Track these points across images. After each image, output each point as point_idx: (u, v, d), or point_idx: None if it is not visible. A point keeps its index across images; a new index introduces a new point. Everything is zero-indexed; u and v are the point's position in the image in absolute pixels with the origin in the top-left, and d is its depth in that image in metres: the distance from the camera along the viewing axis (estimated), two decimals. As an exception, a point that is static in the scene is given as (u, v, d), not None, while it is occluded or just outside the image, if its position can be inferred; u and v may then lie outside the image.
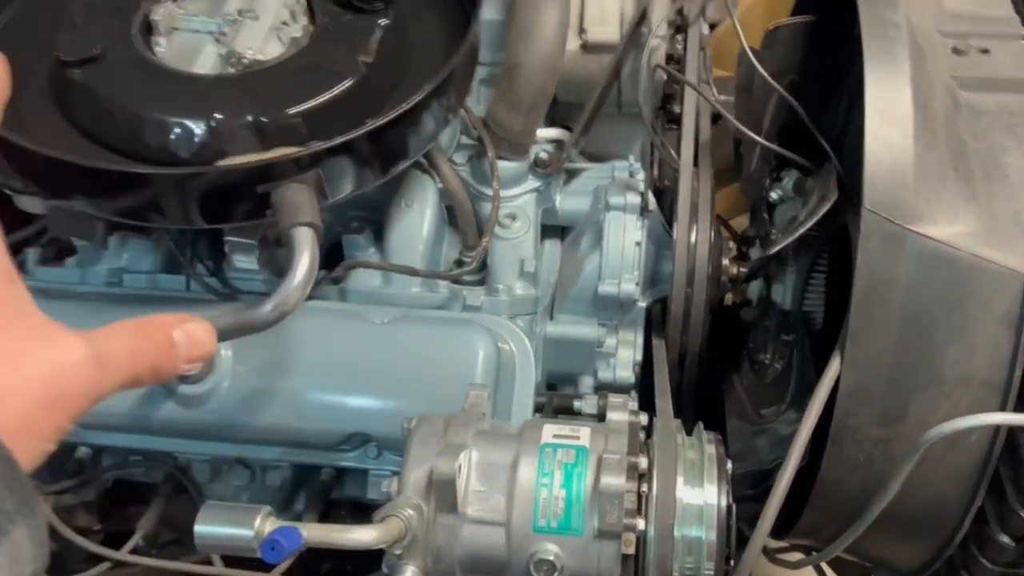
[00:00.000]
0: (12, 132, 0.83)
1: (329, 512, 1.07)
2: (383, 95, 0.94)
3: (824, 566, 1.10)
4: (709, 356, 1.14)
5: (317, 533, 0.64)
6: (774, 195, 1.11)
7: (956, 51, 0.94)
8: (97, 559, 1.03)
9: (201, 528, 0.65)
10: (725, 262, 1.12)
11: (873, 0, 0.89)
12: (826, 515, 0.93)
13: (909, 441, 0.81)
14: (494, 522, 0.71)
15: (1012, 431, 0.80)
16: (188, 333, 0.61)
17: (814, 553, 0.97)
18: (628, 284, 1.05)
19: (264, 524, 0.64)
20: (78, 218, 0.94)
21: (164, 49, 0.95)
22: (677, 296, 1.05)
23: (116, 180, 0.82)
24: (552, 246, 1.16)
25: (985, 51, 0.94)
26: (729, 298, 1.16)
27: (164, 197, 0.83)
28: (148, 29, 0.96)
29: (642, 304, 1.09)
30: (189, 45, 0.95)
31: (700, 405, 1.14)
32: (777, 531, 1.05)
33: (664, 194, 1.21)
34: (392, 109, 0.87)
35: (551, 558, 0.69)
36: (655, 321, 1.14)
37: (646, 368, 1.09)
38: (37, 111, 0.93)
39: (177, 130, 0.86)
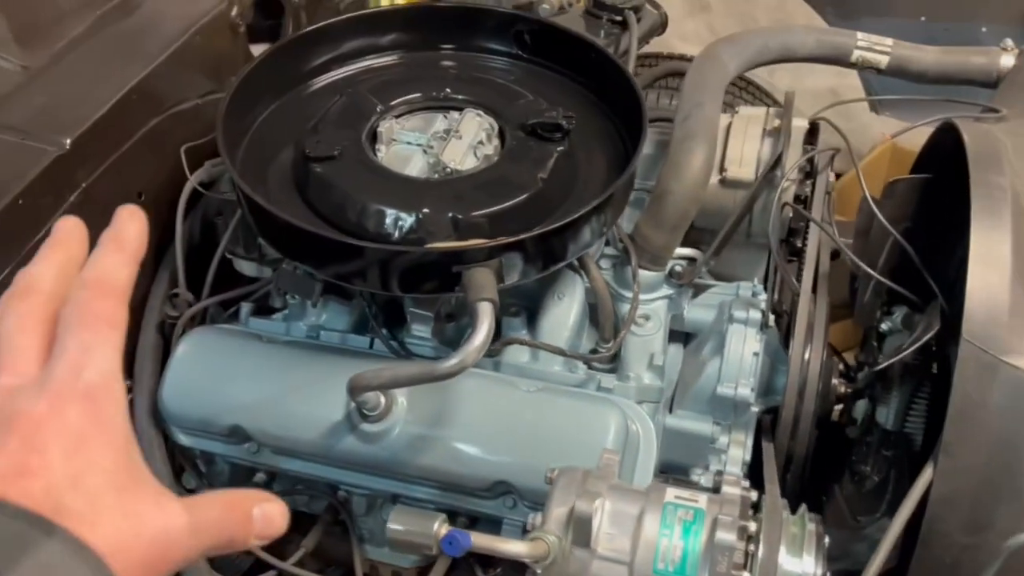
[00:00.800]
0: (268, 204, 1.07)
1: (461, 561, 1.22)
2: (553, 207, 1.14)
3: None
4: (814, 467, 1.25)
5: (481, 540, 0.80)
6: (884, 326, 1.24)
7: (1054, 216, 1.07)
8: (262, 568, 1.21)
9: (393, 525, 0.82)
10: (834, 381, 1.25)
11: (983, 166, 1.04)
12: (914, 619, 1.01)
13: (993, 550, 0.90)
14: (620, 560, 0.85)
15: (1090, 551, 0.89)
16: (266, 512, 0.61)
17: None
18: (744, 388, 1.19)
19: (441, 527, 0.80)
20: (301, 279, 1.16)
21: (384, 155, 1.19)
22: (788, 404, 1.18)
23: (344, 250, 1.04)
24: (676, 349, 1.32)
25: (1081, 218, 1.07)
26: (836, 415, 1.28)
27: (376, 267, 1.04)
28: (374, 138, 1.20)
29: (755, 409, 1.22)
30: (403, 154, 1.19)
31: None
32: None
33: (782, 317, 1.35)
34: (560, 219, 1.07)
35: (666, 597, 0.82)
36: (764, 431, 1.26)
37: (754, 477, 1.21)
38: (280, 189, 1.17)
39: (392, 218, 1.08)
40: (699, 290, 1.34)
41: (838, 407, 1.27)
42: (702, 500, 0.88)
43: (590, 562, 0.85)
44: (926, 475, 0.94)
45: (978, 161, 1.04)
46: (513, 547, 0.81)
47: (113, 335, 0.57)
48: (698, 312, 1.30)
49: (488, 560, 1.19)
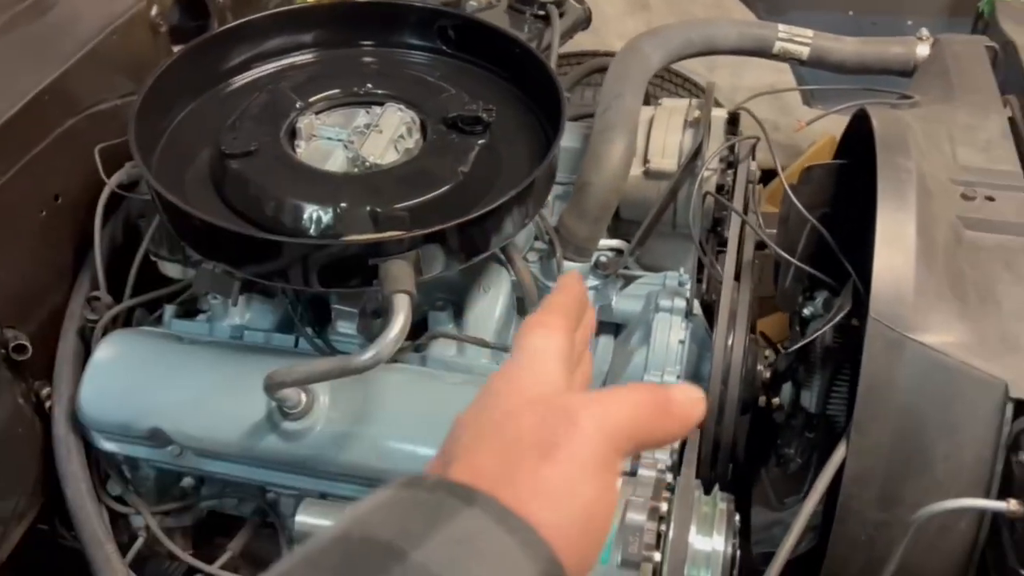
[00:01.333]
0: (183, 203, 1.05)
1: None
2: (475, 199, 1.14)
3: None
4: (747, 453, 1.26)
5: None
6: (806, 311, 1.26)
7: (965, 197, 1.10)
8: (191, 573, 1.19)
9: (302, 518, 0.81)
10: (760, 367, 1.26)
11: (890, 149, 1.06)
12: (834, 596, 1.03)
13: (906, 524, 0.92)
14: (535, 546, 0.84)
15: (996, 520, 0.91)
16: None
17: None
18: (670, 376, 1.20)
19: (351, 517, 0.79)
20: (220, 278, 1.15)
21: (303, 150, 1.18)
22: (713, 390, 1.19)
23: (260, 246, 1.03)
24: (606, 340, 1.33)
25: (990, 199, 1.09)
26: (762, 400, 1.29)
27: (295, 263, 1.03)
28: (293, 134, 1.19)
29: (682, 397, 1.23)
30: (323, 149, 1.18)
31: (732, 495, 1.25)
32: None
33: (711, 307, 1.37)
34: (480, 209, 1.07)
35: (580, 580, 0.82)
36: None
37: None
38: (198, 189, 1.16)
39: (310, 213, 1.08)
40: (628, 281, 1.35)
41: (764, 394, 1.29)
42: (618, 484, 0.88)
43: (506, 549, 0.85)
44: (839, 454, 0.95)
45: (885, 145, 1.06)
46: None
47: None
48: (626, 303, 1.31)
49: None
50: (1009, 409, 0.89)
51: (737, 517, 0.88)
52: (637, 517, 0.82)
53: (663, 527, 0.84)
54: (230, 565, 1.20)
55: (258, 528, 1.24)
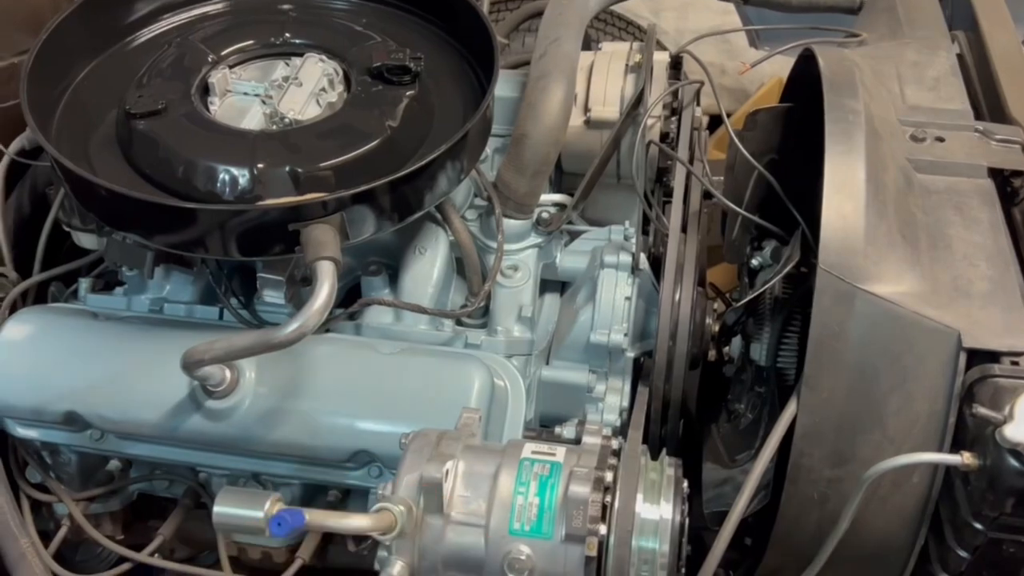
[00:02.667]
0: (83, 170, 0.96)
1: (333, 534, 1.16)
2: (405, 155, 1.07)
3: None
4: (695, 408, 1.23)
5: (317, 517, 0.74)
6: (755, 262, 1.22)
7: (914, 138, 1.06)
8: (120, 562, 1.13)
9: (220, 508, 0.75)
10: (708, 320, 1.22)
11: (837, 90, 1.01)
12: (787, 554, 1.00)
13: (858, 481, 0.89)
14: (475, 524, 0.80)
15: (949, 475, 0.89)
16: None
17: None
18: (617, 334, 1.15)
19: (273, 506, 0.74)
20: (131, 249, 1.07)
21: (218, 107, 1.09)
22: (661, 347, 1.15)
23: (170, 214, 0.95)
24: (552, 299, 1.28)
25: (940, 139, 1.06)
26: (712, 355, 1.26)
27: (210, 231, 0.96)
28: (205, 90, 1.10)
29: (630, 354, 1.19)
30: (239, 105, 1.10)
31: (683, 453, 1.22)
32: (745, 573, 1.13)
33: (659, 260, 1.32)
34: (410, 166, 1.00)
35: (523, 558, 0.78)
36: (645, 376, 1.23)
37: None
38: (103, 155, 1.07)
39: (224, 175, 1.00)
40: (573, 237, 1.29)
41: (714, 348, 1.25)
42: (560, 453, 0.84)
43: (444, 529, 0.81)
44: (790, 410, 0.92)
45: (833, 86, 1.01)
46: (354, 522, 0.75)
47: None
48: (571, 259, 1.26)
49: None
50: (962, 359, 0.86)
51: (685, 483, 0.84)
52: (580, 489, 0.78)
53: (608, 498, 0.80)
54: (164, 549, 1.14)
55: (190, 510, 1.17)
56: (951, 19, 1.34)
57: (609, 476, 0.81)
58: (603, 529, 0.78)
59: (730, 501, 1.08)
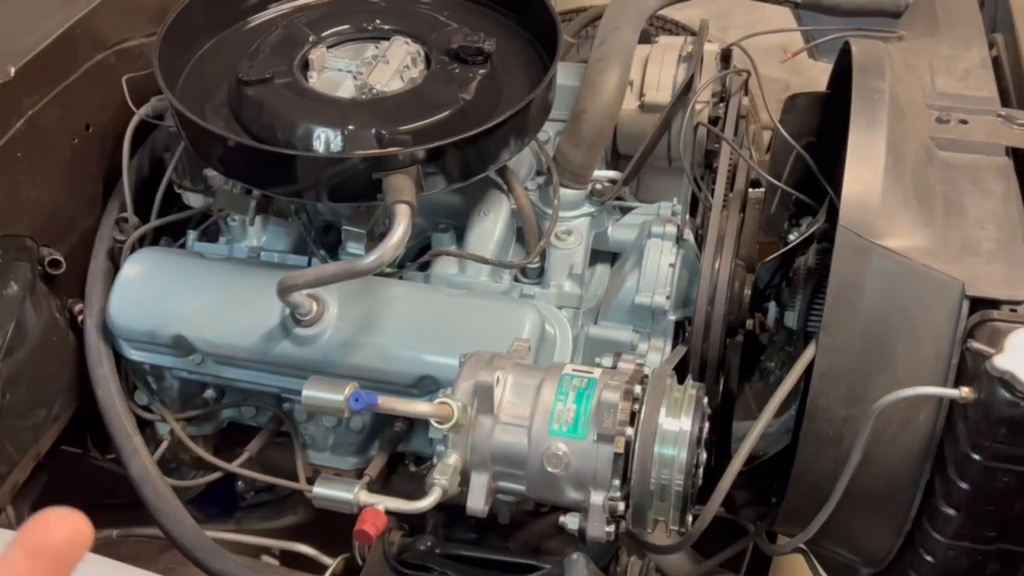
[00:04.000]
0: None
1: (397, 461, 1.30)
2: (476, 124, 1.21)
3: (814, 561, 1.25)
4: (737, 378, 1.33)
5: (388, 401, 0.88)
6: (791, 236, 1.32)
7: (939, 120, 1.16)
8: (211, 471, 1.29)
9: (308, 392, 0.89)
10: (746, 290, 1.32)
11: (866, 72, 1.12)
12: (805, 494, 1.09)
13: (867, 418, 0.98)
14: (520, 424, 0.93)
15: (952, 413, 0.97)
16: None
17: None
18: (660, 297, 1.27)
19: (351, 389, 0.88)
20: (237, 197, 1.24)
21: (316, 80, 1.26)
22: (700, 309, 1.26)
23: (274, 161, 1.11)
24: (603, 269, 1.40)
25: (964, 121, 1.15)
26: (750, 324, 1.36)
27: (306, 178, 1.11)
28: (305, 65, 1.27)
29: (672, 317, 1.30)
30: (334, 79, 1.26)
31: (722, 419, 1.32)
32: (769, 523, 1.22)
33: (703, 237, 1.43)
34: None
35: (560, 454, 0.90)
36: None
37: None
38: (217, 117, 1.24)
39: (319, 135, 1.15)
40: (624, 212, 1.42)
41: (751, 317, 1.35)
42: (596, 372, 0.96)
43: (493, 428, 0.93)
44: (808, 352, 1.02)
45: (862, 69, 1.12)
46: (418, 407, 0.89)
47: None
48: (622, 232, 1.38)
49: (422, 459, 1.27)
50: (965, 307, 0.95)
51: (706, 401, 0.95)
52: (612, 396, 0.90)
53: (636, 407, 0.91)
54: (246, 466, 1.29)
55: (273, 436, 1.32)
56: (993, 21, 1.42)
57: (638, 390, 0.93)
58: (630, 432, 0.90)
59: (756, 448, 1.18)
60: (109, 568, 0.76)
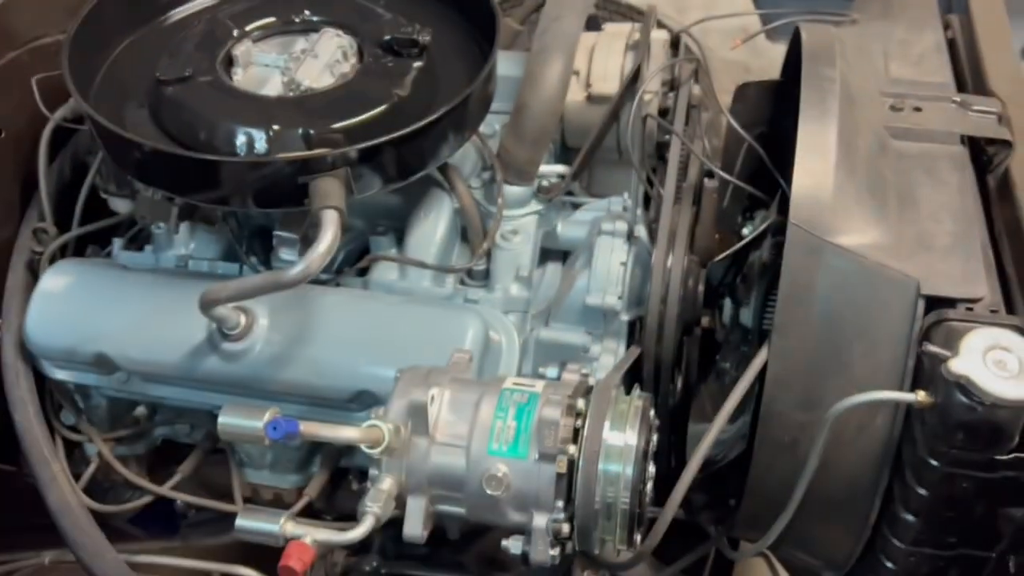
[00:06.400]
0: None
1: (340, 477, 1.24)
2: (412, 121, 1.15)
3: (776, 565, 1.21)
4: (695, 375, 1.28)
5: (310, 427, 0.82)
6: (745, 230, 1.27)
7: (893, 108, 1.11)
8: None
9: (224, 419, 0.83)
10: (700, 287, 1.28)
11: (815, 59, 1.07)
12: (762, 501, 1.05)
13: (823, 423, 0.94)
14: (457, 445, 0.87)
15: (909, 417, 0.93)
16: None
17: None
18: (611, 297, 1.21)
19: (270, 415, 0.81)
20: (158, 204, 1.16)
21: (240, 77, 1.18)
22: (652, 309, 1.21)
23: (192, 167, 1.04)
24: (553, 268, 1.34)
25: (918, 109, 1.11)
26: (706, 321, 1.31)
27: (228, 183, 1.04)
28: (230, 62, 1.19)
29: (624, 317, 1.25)
30: (260, 76, 1.19)
31: (681, 417, 1.28)
32: (729, 528, 1.18)
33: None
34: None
35: (500, 475, 0.85)
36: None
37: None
38: (135, 120, 1.16)
39: (242, 136, 1.08)
40: (575, 208, 1.36)
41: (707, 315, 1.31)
42: (538, 385, 0.91)
43: (429, 449, 0.88)
44: (761, 356, 0.97)
45: (811, 56, 1.07)
46: (345, 433, 0.83)
47: None
48: (571, 229, 1.32)
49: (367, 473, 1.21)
50: (920, 306, 0.91)
51: (653, 413, 0.90)
52: (552, 412, 0.84)
53: (579, 423, 0.86)
54: (181, 487, 1.22)
55: (208, 454, 1.26)
56: (948, 2, 1.38)
57: (581, 403, 0.87)
58: (573, 450, 0.85)
59: (713, 453, 1.13)
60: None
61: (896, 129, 1.08)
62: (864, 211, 0.97)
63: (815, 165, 0.98)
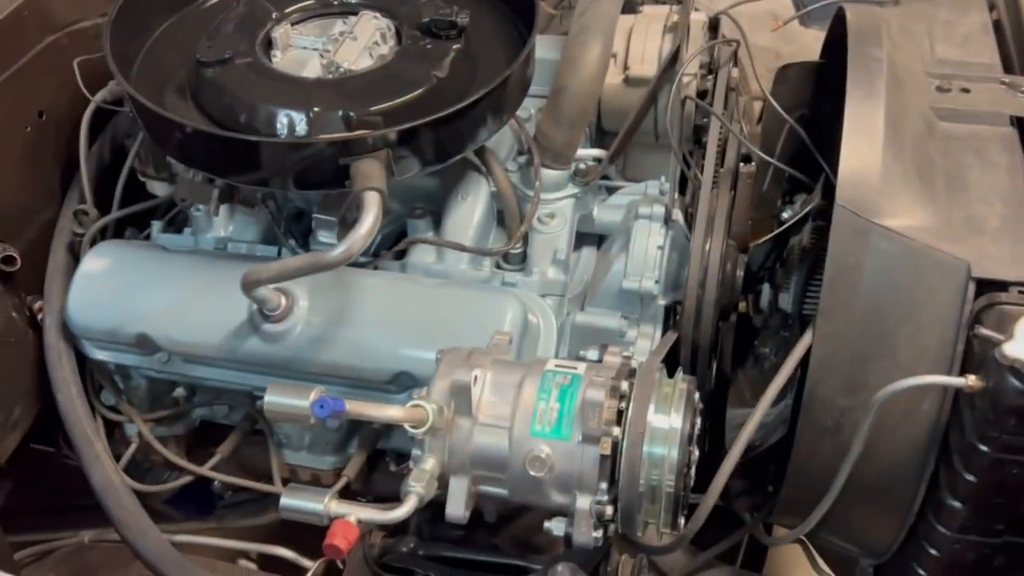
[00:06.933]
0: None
1: (377, 459, 1.24)
2: (450, 103, 1.14)
3: (813, 551, 1.20)
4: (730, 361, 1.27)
5: (356, 406, 0.82)
6: (785, 214, 1.26)
7: (940, 89, 1.09)
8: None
9: (270, 398, 0.83)
10: (739, 272, 1.26)
11: (862, 40, 1.06)
12: (803, 486, 1.04)
13: (868, 407, 0.93)
14: (500, 426, 0.87)
15: (957, 401, 0.92)
16: None
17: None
18: (648, 281, 1.21)
19: (316, 394, 0.82)
20: (199, 186, 1.17)
21: (279, 59, 1.18)
22: (690, 294, 1.20)
23: (234, 148, 1.04)
24: (589, 252, 1.34)
25: (965, 90, 1.09)
26: (743, 306, 1.30)
27: (269, 165, 1.04)
28: (269, 44, 1.20)
29: (661, 302, 1.24)
30: (299, 58, 1.19)
31: (717, 404, 1.27)
32: (766, 514, 1.17)
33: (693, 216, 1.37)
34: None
35: (543, 456, 0.85)
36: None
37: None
38: (175, 101, 1.17)
39: (283, 118, 1.08)
40: (611, 192, 1.35)
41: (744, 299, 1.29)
42: (581, 367, 0.90)
43: (472, 430, 0.88)
44: (805, 340, 0.96)
45: (857, 36, 1.05)
46: (389, 412, 0.83)
47: None
48: (608, 213, 1.31)
49: (404, 456, 1.22)
50: (971, 289, 0.90)
51: (697, 396, 0.90)
52: (596, 394, 0.84)
53: (623, 405, 0.86)
54: (219, 469, 1.23)
55: (247, 435, 1.27)
56: (992, -15, 1.36)
57: (625, 386, 0.87)
58: (617, 432, 0.84)
59: (751, 439, 1.12)
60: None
61: (943, 110, 1.06)
62: (912, 193, 0.96)
63: (862, 146, 0.96)
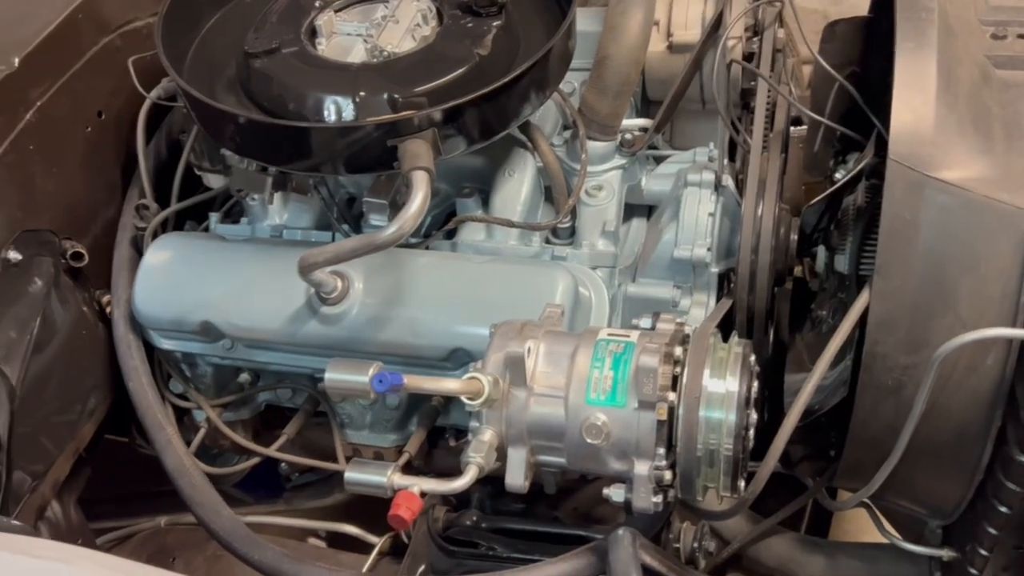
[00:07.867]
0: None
1: (437, 436, 1.27)
2: (494, 80, 1.15)
3: (878, 514, 1.18)
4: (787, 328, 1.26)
5: (413, 380, 0.84)
6: (838, 175, 1.23)
7: (995, 36, 1.06)
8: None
9: (331, 375, 0.85)
10: (793, 236, 1.25)
11: (911, -9, 1.03)
12: (865, 447, 1.03)
13: (929, 364, 0.91)
14: (555, 395, 0.88)
15: (1023, 355, 0.90)
16: None
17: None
18: (700, 249, 1.20)
19: (375, 370, 0.84)
20: (252, 176, 1.20)
21: (325, 47, 1.20)
22: (743, 259, 1.19)
23: (283, 135, 1.07)
24: (639, 223, 1.34)
25: (1022, 36, 1.05)
26: (798, 270, 1.28)
27: (318, 150, 1.07)
28: (313, 32, 1.22)
29: (714, 269, 1.23)
30: (344, 44, 1.21)
31: (773, 370, 1.26)
32: (829, 478, 1.16)
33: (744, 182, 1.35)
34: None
35: (599, 424, 0.85)
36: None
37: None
38: (227, 94, 1.20)
39: (330, 104, 1.10)
40: (659, 162, 1.34)
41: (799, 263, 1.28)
42: (634, 335, 0.90)
43: (528, 400, 0.89)
44: (863, 298, 0.95)
45: (906, -14, 1.02)
46: (447, 385, 0.84)
47: None
48: (657, 183, 1.31)
49: (463, 432, 1.24)
50: (1033, 238, 0.87)
51: (753, 359, 0.89)
52: (650, 360, 0.84)
53: (678, 370, 0.86)
54: (285, 450, 1.27)
55: (311, 417, 1.30)
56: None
57: (679, 351, 0.87)
58: (672, 397, 0.84)
59: (811, 402, 1.11)
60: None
61: (999, 58, 1.03)
62: (968, 144, 0.93)
63: (914, 99, 0.94)
